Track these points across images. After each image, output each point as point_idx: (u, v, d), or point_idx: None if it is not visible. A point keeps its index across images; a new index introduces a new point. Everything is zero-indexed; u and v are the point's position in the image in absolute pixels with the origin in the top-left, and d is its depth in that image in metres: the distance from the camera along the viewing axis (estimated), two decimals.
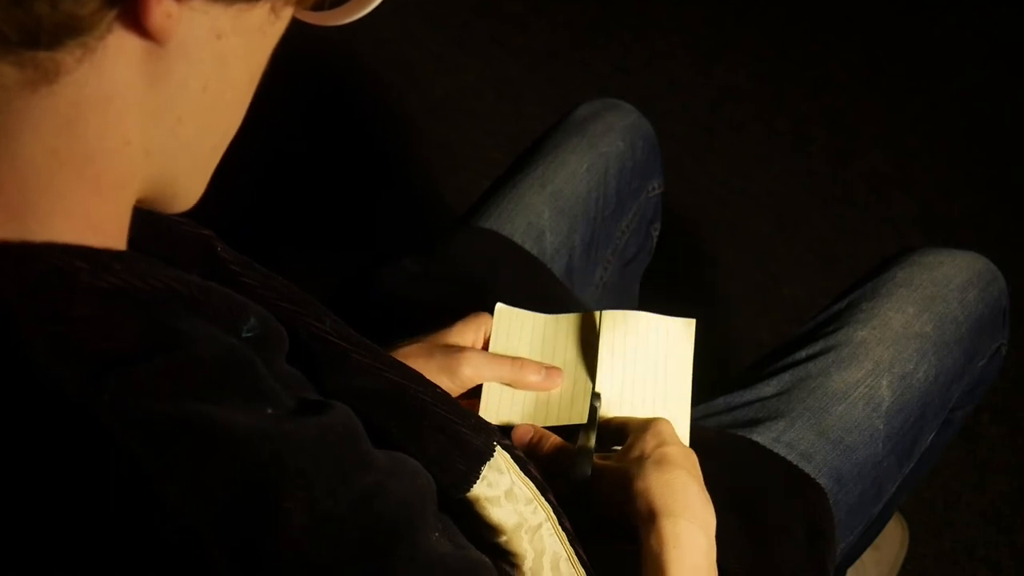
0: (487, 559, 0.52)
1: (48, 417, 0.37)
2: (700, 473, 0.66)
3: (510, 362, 0.75)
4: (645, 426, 0.68)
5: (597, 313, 0.77)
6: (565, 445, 0.71)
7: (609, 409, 0.74)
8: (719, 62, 2.08)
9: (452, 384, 0.72)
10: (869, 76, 2.08)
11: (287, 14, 0.45)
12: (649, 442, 0.66)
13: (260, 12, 0.43)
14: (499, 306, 0.78)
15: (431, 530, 0.47)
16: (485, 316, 0.78)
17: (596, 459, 0.68)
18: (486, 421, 0.60)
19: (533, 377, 0.75)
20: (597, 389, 0.75)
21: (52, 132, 0.40)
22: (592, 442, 0.69)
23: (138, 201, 0.46)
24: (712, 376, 1.50)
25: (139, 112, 0.42)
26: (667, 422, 0.68)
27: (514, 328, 0.78)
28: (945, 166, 1.91)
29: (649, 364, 0.75)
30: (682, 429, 0.73)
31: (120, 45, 0.39)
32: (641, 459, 0.64)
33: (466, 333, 0.76)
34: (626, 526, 0.63)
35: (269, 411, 0.42)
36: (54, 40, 0.38)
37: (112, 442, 0.37)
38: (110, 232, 0.43)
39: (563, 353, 0.77)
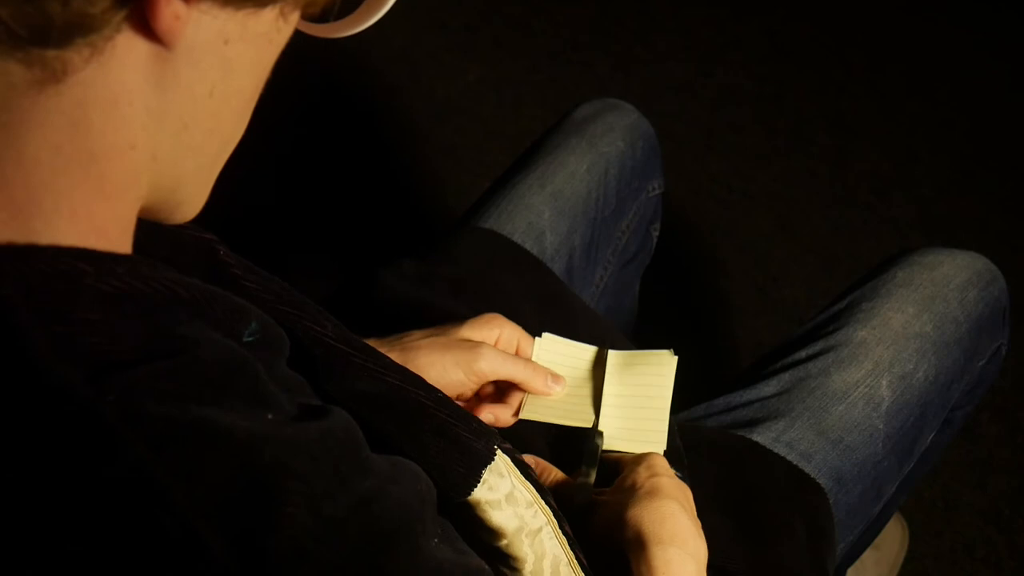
0: (486, 566, 0.52)
1: (51, 414, 0.38)
2: (693, 506, 0.67)
3: (524, 363, 0.76)
4: (639, 459, 0.69)
5: (608, 352, 0.82)
6: (566, 479, 0.72)
7: (610, 443, 0.78)
8: (719, 63, 2.08)
9: (466, 378, 0.73)
10: (869, 77, 2.08)
11: (294, 19, 0.45)
12: (642, 473, 0.66)
13: (267, 18, 0.43)
14: (545, 335, 0.82)
15: (431, 535, 0.47)
16: (497, 317, 0.78)
17: (593, 495, 0.69)
18: (487, 425, 0.61)
19: (541, 384, 0.77)
20: (601, 428, 0.77)
21: (58, 132, 0.40)
22: (592, 477, 0.72)
23: (142, 210, 0.46)
24: (712, 376, 1.51)
25: (145, 116, 0.42)
26: (660, 456, 0.69)
27: (554, 353, 0.82)
28: (945, 166, 1.91)
29: (640, 394, 0.80)
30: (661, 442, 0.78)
31: (128, 46, 0.39)
32: (633, 489, 0.65)
33: (476, 331, 0.76)
34: (624, 560, 0.64)
35: (270, 416, 0.42)
36: (63, 38, 0.38)
37: (115, 439, 0.37)
38: (114, 235, 0.43)
39: (583, 377, 0.82)
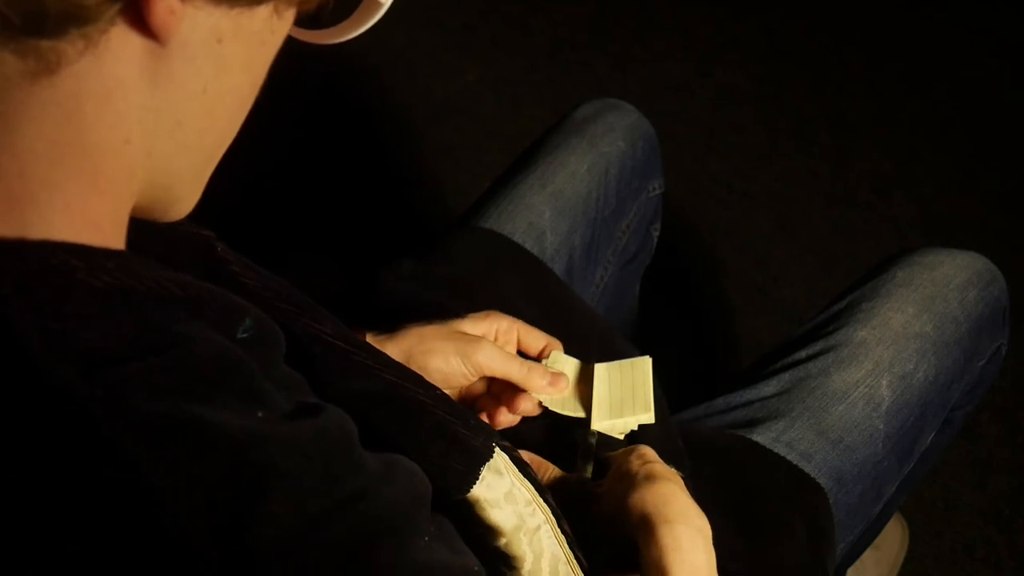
0: (478, 566, 0.52)
1: (51, 415, 0.38)
2: (686, 488, 0.66)
3: (520, 363, 0.76)
4: (629, 451, 0.69)
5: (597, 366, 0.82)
6: (564, 475, 0.72)
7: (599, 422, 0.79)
8: (719, 62, 2.08)
9: (464, 368, 0.74)
10: (869, 76, 2.08)
11: (289, 17, 0.45)
12: (634, 462, 0.66)
13: (261, 16, 0.43)
14: (554, 353, 0.82)
15: (421, 534, 0.47)
16: (493, 313, 0.79)
17: (590, 487, 0.69)
18: (485, 422, 0.61)
19: (539, 381, 0.77)
20: (594, 428, 0.78)
21: (52, 124, 0.40)
22: (589, 471, 0.73)
23: (137, 208, 0.46)
24: (712, 376, 1.51)
25: (139, 111, 0.42)
26: (648, 447, 0.69)
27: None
28: (945, 166, 1.91)
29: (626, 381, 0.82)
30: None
31: (122, 40, 0.40)
32: (629, 476, 0.65)
33: (478, 326, 0.77)
34: (624, 548, 0.63)
35: (260, 414, 0.42)
36: (58, 28, 0.38)
37: (113, 438, 0.37)
38: (108, 231, 0.43)
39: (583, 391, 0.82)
